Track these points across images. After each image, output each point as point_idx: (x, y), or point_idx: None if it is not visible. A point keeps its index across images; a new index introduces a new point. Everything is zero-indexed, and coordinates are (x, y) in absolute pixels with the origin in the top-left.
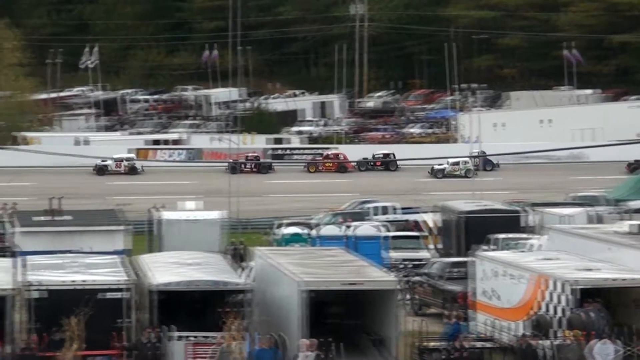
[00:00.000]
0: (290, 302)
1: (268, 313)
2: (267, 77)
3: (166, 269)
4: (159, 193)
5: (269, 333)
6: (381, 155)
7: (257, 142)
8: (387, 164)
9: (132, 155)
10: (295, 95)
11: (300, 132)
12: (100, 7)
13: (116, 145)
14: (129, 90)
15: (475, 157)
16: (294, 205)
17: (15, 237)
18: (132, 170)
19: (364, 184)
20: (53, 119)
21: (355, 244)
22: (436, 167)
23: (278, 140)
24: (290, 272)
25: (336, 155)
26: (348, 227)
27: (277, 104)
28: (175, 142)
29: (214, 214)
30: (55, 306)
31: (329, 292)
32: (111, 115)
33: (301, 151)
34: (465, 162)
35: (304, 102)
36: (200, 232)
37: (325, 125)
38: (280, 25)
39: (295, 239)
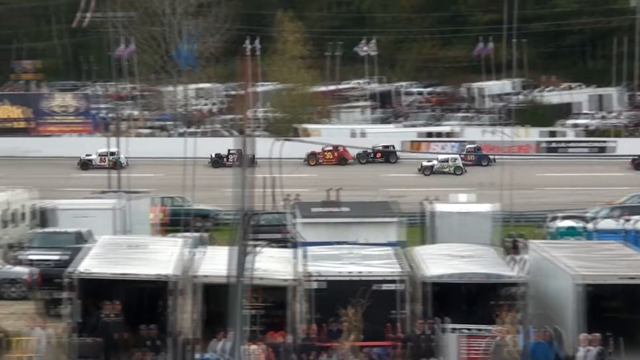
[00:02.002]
0: (566, 295)
1: (542, 306)
2: (541, 69)
3: (439, 261)
4: (432, 186)
5: (543, 327)
6: None
7: (531, 135)
8: None
9: (116, 149)
10: (570, 88)
11: (575, 125)
12: (378, 0)
13: (390, 137)
14: (404, 83)
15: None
16: (568, 199)
17: (296, 228)
18: (116, 165)
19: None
20: (331, 111)
21: (635, 238)
22: (425, 163)
23: (552, 133)
24: (565, 266)
25: (336, 148)
26: (627, 220)
27: (552, 96)
28: (448, 134)
29: (485, 207)
30: (333, 297)
31: (606, 287)
32: (386, 107)
33: (576, 144)
34: (455, 159)
35: (580, 95)
36: (472, 224)
37: (602, 118)
38: (557, 18)
39: (570, 232)
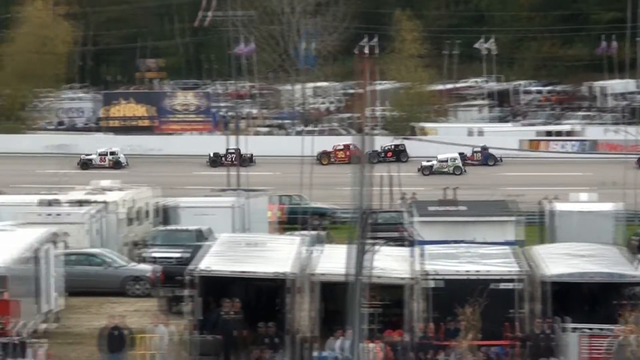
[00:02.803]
0: None
1: None
2: None
3: (559, 260)
4: (550, 184)
5: None
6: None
7: None
8: None
9: (117, 149)
10: None
11: None
12: None
13: (508, 136)
14: (522, 82)
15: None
16: None
17: (413, 226)
18: (116, 165)
19: None
20: (448, 110)
21: None
22: (424, 163)
23: None
24: None
25: (347, 147)
26: None
27: None
28: (569, 133)
29: (607, 206)
30: (450, 296)
31: None
32: (504, 106)
33: None
34: (454, 159)
35: None
36: (594, 223)
37: None
38: None
39: None
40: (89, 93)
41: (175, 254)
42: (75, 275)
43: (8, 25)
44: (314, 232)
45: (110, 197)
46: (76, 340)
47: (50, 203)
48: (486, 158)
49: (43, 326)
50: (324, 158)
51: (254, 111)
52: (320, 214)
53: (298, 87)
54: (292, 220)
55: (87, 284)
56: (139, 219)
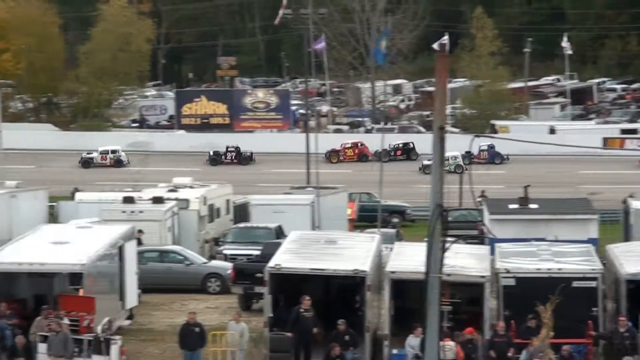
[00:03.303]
0: None
1: None
2: None
3: (634, 259)
4: (627, 182)
5: None
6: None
7: None
8: None
9: (118, 147)
10: None
11: None
12: None
13: (586, 134)
14: (601, 80)
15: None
16: None
17: (488, 224)
18: (117, 163)
19: None
20: (527, 108)
21: None
22: (425, 162)
23: None
24: None
25: (356, 145)
26: None
27: None
28: None
29: None
30: (526, 293)
31: None
32: (582, 104)
33: None
34: (455, 158)
35: None
36: None
37: None
38: None
39: None
40: (163, 91)
41: (251, 251)
42: (154, 272)
43: (92, 24)
44: (390, 230)
45: (187, 194)
46: (149, 337)
47: (129, 200)
48: (493, 156)
49: (126, 323)
50: (333, 156)
51: (327, 109)
52: (397, 211)
53: (379, 84)
54: (364, 217)
55: (166, 281)
56: (218, 216)
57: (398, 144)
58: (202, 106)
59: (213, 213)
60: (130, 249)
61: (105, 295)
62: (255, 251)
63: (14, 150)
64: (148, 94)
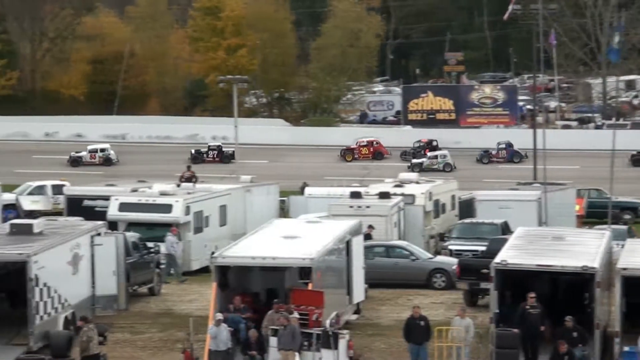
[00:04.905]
0: None
1: None
2: None
3: None
4: None
5: None
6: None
7: None
8: None
9: (107, 145)
10: None
11: None
12: None
13: None
14: None
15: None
16: None
17: None
18: (106, 162)
19: None
20: None
21: None
22: (414, 160)
23: None
24: None
25: (371, 143)
26: None
27: None
28: None
29: None
30: None
31: None
32: None
33: None
34: (444, 156)
35: None
36: None
37: None
38: None
39: None
40: (389, 86)
41: (473, 247)
42: (380, 267)
43: (323, 20)
44: (621, 226)
45: (413, 189)
46: (376, 332)
47: (357, 195)
48: (511, 155)
49: (353, 317)
50: (348, 155)
51: (555, 105)
52: (628, 208)
53: (611, 79)
54: (592, 214)
55: (392, 276)
56: (444, 212)
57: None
58: (429, 102)
59: (438, 208)
60: (358, 244)
61: (333, 290)
62: (480, 247)
63: (248, 145)
64: (375, 89)
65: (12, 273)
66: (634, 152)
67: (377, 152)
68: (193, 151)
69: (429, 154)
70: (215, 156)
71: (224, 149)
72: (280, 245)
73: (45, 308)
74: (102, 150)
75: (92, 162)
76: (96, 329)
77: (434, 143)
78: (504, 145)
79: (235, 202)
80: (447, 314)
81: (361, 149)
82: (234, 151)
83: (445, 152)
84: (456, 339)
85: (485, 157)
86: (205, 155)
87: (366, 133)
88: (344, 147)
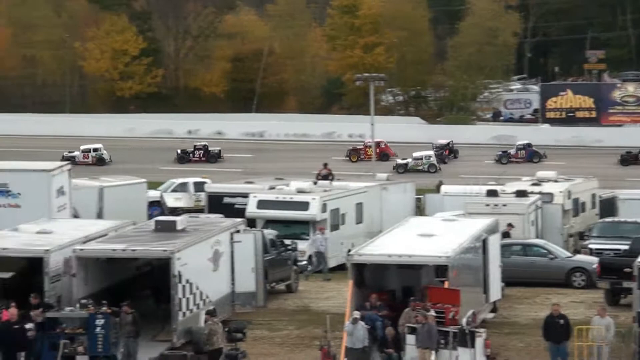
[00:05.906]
0: None
1: None
2: None
3: None
4: None
5: None
6: None
7: None
8: None
9: (100, 145)
10: None
11: None
12: None
13: None
14: None
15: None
16: None
17: None
18: (99, 161)
19: None
20: None
21: None
22: (399, 161)
23: None
24: None
25: (378, 144)
26: None
27: None
28: None
29: None
30: None
31: None
32: None
33: None
34: (429, 157)
35: None
36: None
37: None
38: None
39: None
40: (527, 84)
41: (615, 245)
42: (517, 265)
43: (460, 18)
44: None
45: (552, 188)
46: (513, 330)
47: (493, 193)
48: (530, 155)
49: (490, 316)
50: (353, 155)
51: None
52: None
53: None
54: None
55: (529, 274)
56: (584, 210)
57: (443, 143)
58: (568, 100)
59: (578, 207)
60: (494, 242)
61: (469, 288)
62: (622, 246)
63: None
64: (513, 87)
65: (156, 270)
66: None
67: (382, 153)
68: (179, 151)
69: (414, 154)
70: (201, 156)
71: (210, 149)
72: (417, 243)
73: (188, 304)
74: (95, 150)
75: (85, 161)
76: (231, 324)
77: (450, 146)
78: (522, 146)
79: (372, 200)
80: (587, 313)
81: (367, 149)
82: (220, 150)
83: (430, 152)
84: (596, 338)
85: (505, 157)
86: (191, 154)
87: (501, 131)
88: (350, 148)
